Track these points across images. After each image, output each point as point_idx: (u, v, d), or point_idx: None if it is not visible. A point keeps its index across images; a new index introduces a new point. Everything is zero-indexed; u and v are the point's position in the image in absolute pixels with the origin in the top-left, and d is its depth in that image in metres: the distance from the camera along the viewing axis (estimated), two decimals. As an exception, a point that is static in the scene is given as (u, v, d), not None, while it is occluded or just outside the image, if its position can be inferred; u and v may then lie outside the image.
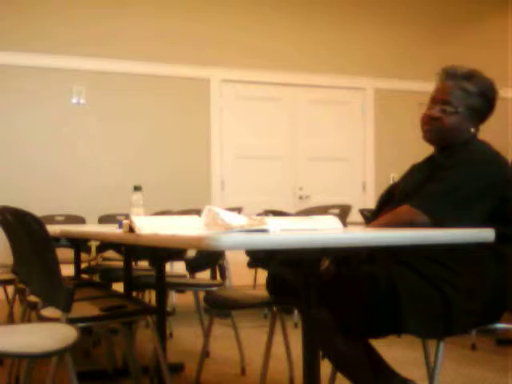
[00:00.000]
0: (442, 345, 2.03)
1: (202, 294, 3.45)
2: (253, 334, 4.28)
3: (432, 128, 2.35)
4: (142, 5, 6.93)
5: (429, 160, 2.43)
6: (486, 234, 1.76)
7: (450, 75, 2.36)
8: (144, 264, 4.44)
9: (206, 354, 3.38)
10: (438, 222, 2.04)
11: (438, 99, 2.34)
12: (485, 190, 2.14)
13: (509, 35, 7.89)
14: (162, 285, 2.94)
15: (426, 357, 2.59)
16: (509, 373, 3.44)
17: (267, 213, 4.20)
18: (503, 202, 2.17)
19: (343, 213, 3.37)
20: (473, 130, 2.32)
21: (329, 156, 7.61)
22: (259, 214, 3.47)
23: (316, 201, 6.73)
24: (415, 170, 2.48)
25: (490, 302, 2.11)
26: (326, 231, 1.87)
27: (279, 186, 7.41)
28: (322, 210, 3.38)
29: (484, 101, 2.32)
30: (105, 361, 3.51)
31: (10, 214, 2.15)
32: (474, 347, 3.93)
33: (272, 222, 1.65)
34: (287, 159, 7.51)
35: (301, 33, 7.45)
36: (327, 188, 7.42)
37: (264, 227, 1.60)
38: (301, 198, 7.44)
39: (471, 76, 2.34)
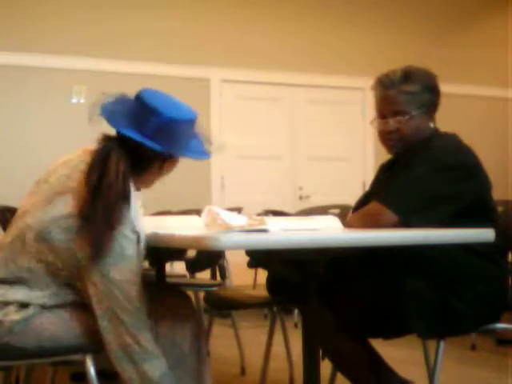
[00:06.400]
0: (442, 345, 2.03)
1: (202, 294, 3.45)
2: (253, 334, 4.28)
3: (394, 142, 2.35)
4: (142, 5, 6.92)
5: (394, 162, 2.43)
6: (487, 235, 1.76)
7: (387, 84, 2.35)
8: (144, 264, 4.43)
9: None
10: (404, 220, 2.02)
11: (388, 111, 2.34)
12: (452, 191, 2.11)
13: (509, 35, 7.88)
14: (162, 285, 2.93)
15: (426, 357, 2.59)
16: (509, 373, 3.44)
17: (267, 213, 4.20)
18: (478, 196, 2.15)
19: (343, 213, 3.37)
20: (432, 125, 2.33)
21: (329, 156, 7.60)
22: (259, 214, 3.47)
23: (316, 201, 6.72)
24: (381, 172, 2.49)
25: (489, 302, 2.11)
26: (326, 231, 1.87)
27: (279, 185, 7.40)
28: (322, 210, 3.39)
29: (431, 93, 2.32)
30: (104, 361, 3.50)
31: (10, 213, 2.15)
32: (473, 347, 3.93)
33: (272, 222, 1.65)
34: (287, 159, 7.51)
35: (301, 33, 7.44)
36: (327, 188, 7.41)
37: (264, 227, 1.60)
38: (301, 197, 7.44)
39: (408, 76, 2.32)
